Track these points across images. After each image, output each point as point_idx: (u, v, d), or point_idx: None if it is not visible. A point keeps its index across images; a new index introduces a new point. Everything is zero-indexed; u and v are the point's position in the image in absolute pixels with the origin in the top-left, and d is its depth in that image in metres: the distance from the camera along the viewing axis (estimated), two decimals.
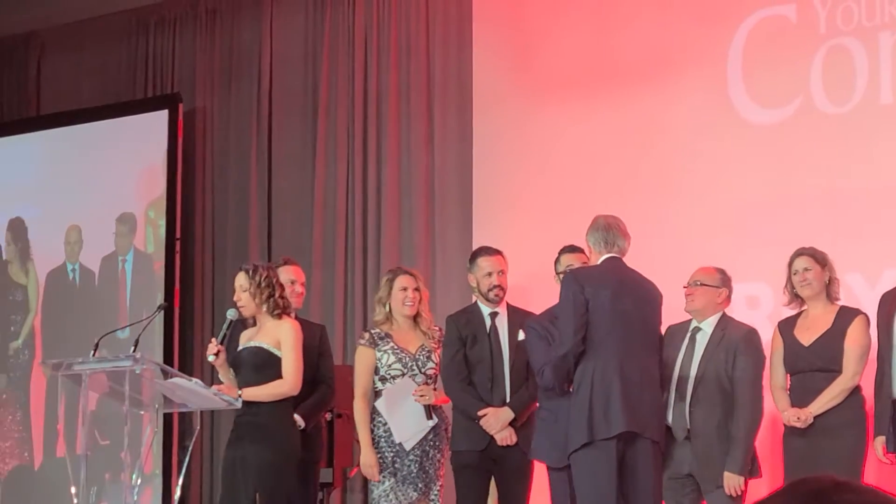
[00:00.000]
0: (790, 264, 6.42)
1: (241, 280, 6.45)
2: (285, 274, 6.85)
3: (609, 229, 6.24)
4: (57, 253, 10.09)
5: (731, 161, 7.60)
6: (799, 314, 6.43)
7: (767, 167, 7.48)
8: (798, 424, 6.15)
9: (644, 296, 6.17)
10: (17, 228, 10.33)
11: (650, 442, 5.99)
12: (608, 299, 6.02)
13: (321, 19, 9.38)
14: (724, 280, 6.48)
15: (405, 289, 6.76)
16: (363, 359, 6.73)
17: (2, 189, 10.46)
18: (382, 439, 6.60)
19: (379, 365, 6.67)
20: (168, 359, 8.97)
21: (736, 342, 6.30)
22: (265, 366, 6.30)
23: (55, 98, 10.68)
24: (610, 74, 8.04)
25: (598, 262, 6.22)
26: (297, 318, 6.87)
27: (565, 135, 8.15)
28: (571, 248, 6.82)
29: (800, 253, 6.42)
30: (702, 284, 6.44)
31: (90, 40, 10.54)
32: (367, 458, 6.59)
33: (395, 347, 6.67)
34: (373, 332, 6.77)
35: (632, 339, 6.05)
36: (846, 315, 6.31)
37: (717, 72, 7.72)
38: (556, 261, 6.84)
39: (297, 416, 6.57)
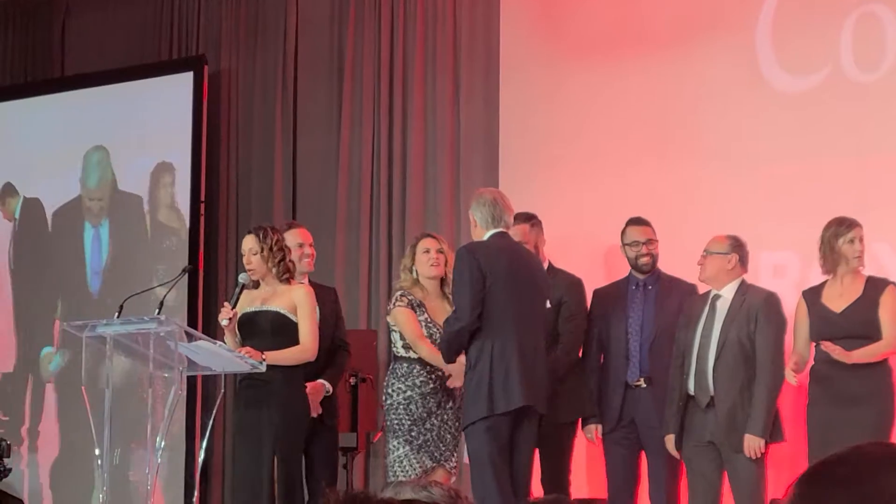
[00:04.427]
0: (840, 234, 6.27)
1: (251, 243, 6.40)
2: (293, 238, 6.78)
3: (496, 204, 6.28)
4: None
5: (759, 128, 7.55)
6: (824, 283, 6.37)
7: (795, 134, 7.42)
8: (840, 357, 6.04)
9: (533, 271, 6.29)
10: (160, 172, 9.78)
11: (537, 414, 6.18)
12: (503, 275, 6.09)
13: None
14: (735, 246, 6.47)
15: (428, 251, 6.74)
16: (407, 314, 6.66)
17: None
18: (401, 406, 6.59)
19: None
20: (192, 321, 8.96)
21: (757, 306, 6.32)
22: (282, 331, 6.32)
23: (80, 59, 10.65)
24: (638, 39, 7.97)
25: (486, 237, 6.25)
26: (310, 281, 6.86)
27: (592, 99, 8.10)
28: (637, 221, 6.84)
29: (855, 223, 6.30)
30: (711, 253, 6.46)
31: (115, 1, 10.50)
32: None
33: (429, 320, 6.66)
34: (408, 297, 6.72)
35: (527, 313, 6.16)
36: (876, 284, 6.27)
37: (746, 37, 7.65)
38: (623, 233, 6.86)
39: (325, 382, 6.64)
